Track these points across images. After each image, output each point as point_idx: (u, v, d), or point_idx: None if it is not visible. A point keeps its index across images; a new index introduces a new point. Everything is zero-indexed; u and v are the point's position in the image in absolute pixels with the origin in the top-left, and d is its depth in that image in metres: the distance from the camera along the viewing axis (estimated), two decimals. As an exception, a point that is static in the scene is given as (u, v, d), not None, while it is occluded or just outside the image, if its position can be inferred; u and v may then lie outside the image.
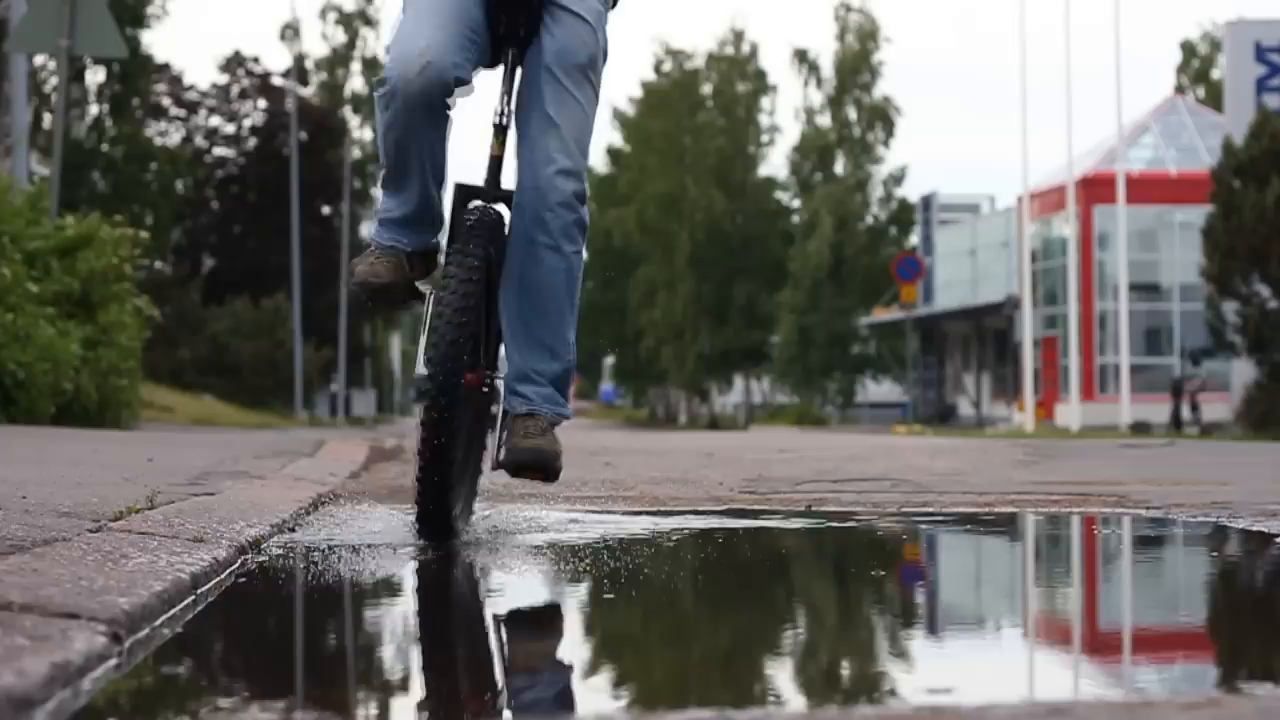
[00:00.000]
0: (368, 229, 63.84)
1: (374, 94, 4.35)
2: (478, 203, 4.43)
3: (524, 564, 4.00)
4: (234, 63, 57.22)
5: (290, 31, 62.09)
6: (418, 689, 2.51)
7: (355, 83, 66.48)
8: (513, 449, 4.33)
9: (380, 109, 4.33)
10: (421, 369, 4.11)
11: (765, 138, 66.83)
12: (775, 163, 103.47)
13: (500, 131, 4.45)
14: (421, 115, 4.26)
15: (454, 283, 4.13)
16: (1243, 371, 35.16)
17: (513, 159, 4.45)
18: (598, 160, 70.21)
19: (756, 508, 6.08)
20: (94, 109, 44.56)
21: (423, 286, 4.48)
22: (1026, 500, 6.44)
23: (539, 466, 4.32)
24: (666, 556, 4.20)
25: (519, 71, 4.46)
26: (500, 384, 4.44)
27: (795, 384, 63.58)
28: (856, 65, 63.48)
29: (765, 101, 67.06)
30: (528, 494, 6.36)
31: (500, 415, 4.41)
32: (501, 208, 4.38)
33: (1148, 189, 45.38)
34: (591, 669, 2.64)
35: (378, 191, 4.77)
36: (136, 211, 37.36)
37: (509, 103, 4.44)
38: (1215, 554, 4.64)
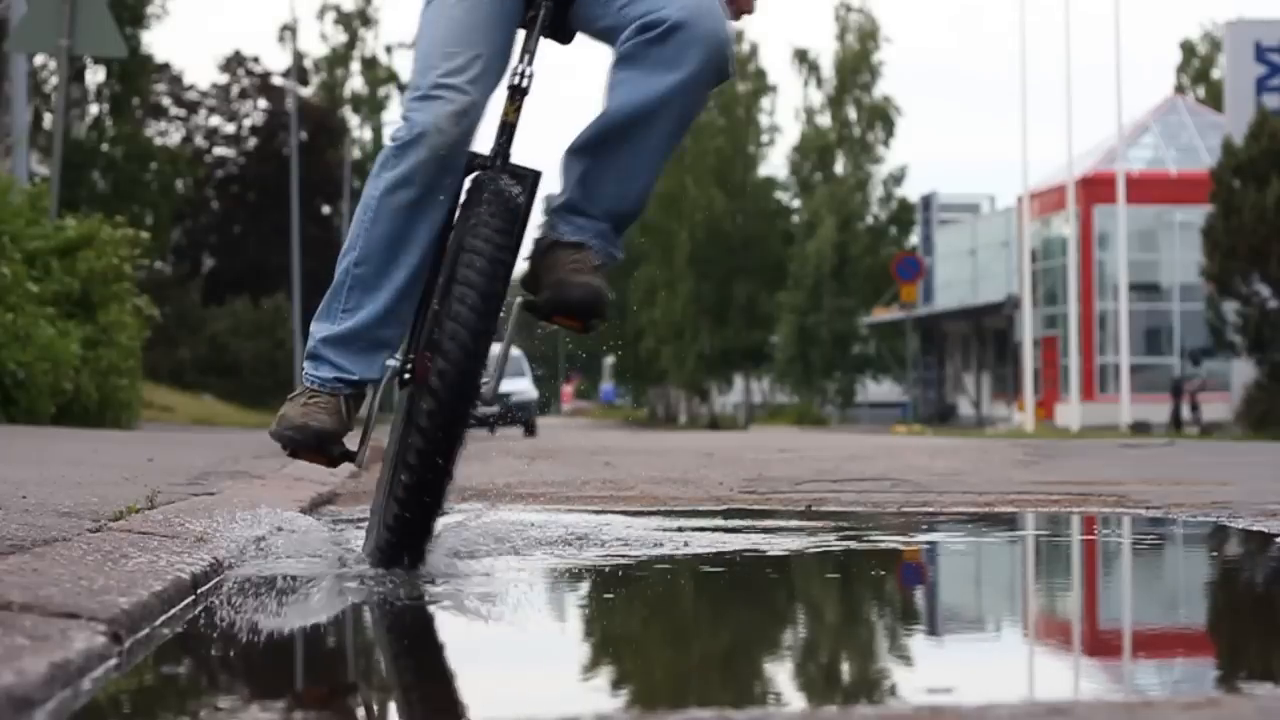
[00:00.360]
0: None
1: (390, 141, 3.74)
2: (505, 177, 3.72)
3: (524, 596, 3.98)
4: (234, 63, 57.23)
5: (288, 33, 62.10)
6: (411, 685, 2.51)
7: (355, 83, 66.50)
8: (560, 284, 3.67)
9: (391, 161, 3.71)
10: (437, 364, 3.46)
11: (765, 138, 66.83)
12: (775, 163, 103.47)
13: (517, 95, 3.77)
14: (446, 173, 3.68)
15: (481, 261, 3.48)
16: (1243, 371, 35.17)
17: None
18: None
19: (756, 508, 6.08)
20: (94, 109, 44.55)
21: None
22: (1026, 500, 6.44)
23: (588, 308, 3.66)
24: (676, 564, 4.20)
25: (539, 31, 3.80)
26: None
27: (795, 384, 63.57)
28: (856, 65, 63.47)
29: (765, 101, 67.04)
30: (527, 494, 6.36)
31: (534, 245, 3.76)
32: (507, 181, 3.67)
33: (1148, 189, 45.38)
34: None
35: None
36: (136, 211, 37.34)
37: (530, 62, 3.77)
38: (1215, 554, 4.64)
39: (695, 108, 3.79)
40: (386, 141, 3.76)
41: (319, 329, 3.80)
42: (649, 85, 3.69)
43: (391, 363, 3.72)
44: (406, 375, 3.70)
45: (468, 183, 3.74)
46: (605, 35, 3.81)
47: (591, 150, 3.74)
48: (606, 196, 3.74)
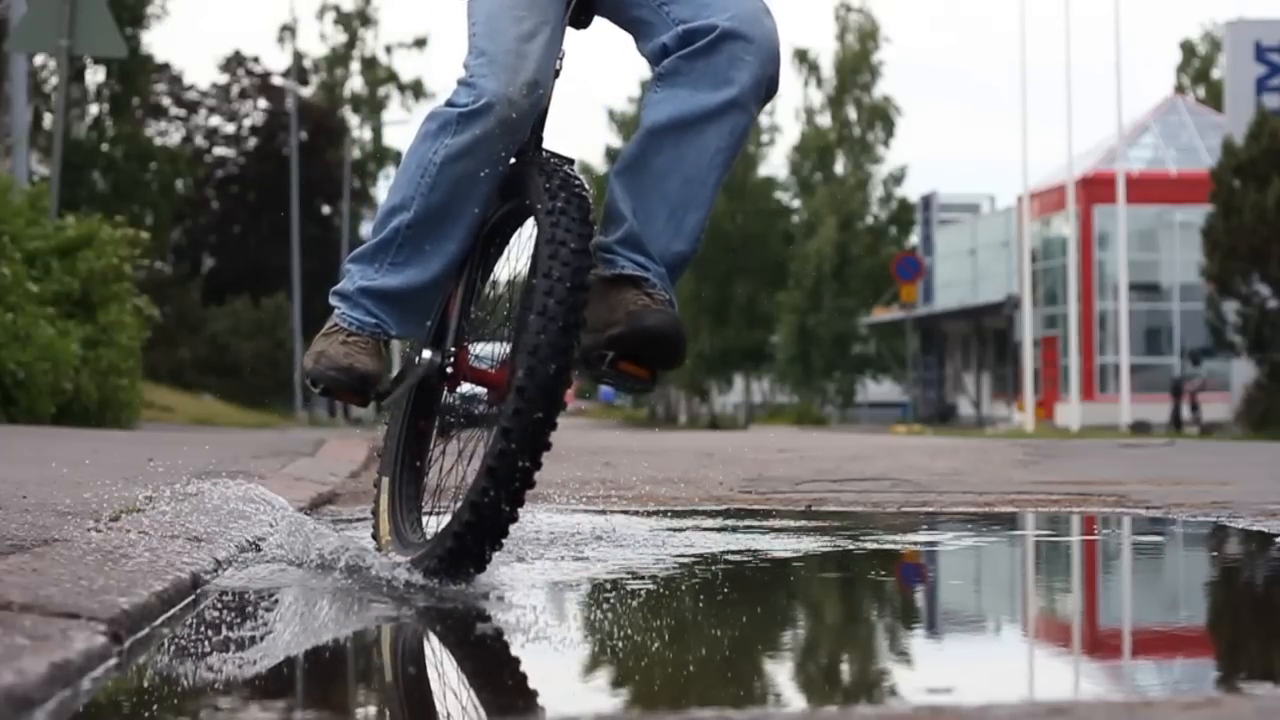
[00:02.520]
0: (369, 229, 63.86)
1: (450, 105, 3.50)
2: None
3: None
4: (234, 62, 57.23)
5: (288, 33, 62.09)
6: (410, 695, 2.51)
7: (355, 83, 66.50)
8: (635, 316, 3.40)
9: (454, 127, 3.49)
10: (525, 362, 3.22)
11: (765, 137, 66.83)
12: (775, 162, 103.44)
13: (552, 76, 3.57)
14: (507, 144, 3.48)
15: (566, 253, 3.25)
16: (1243, 371, 35.17)
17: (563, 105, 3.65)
18: (596, 160, 70.17)
19: (757, 508, 6.08)
20: (94, 109, 44.56)
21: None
22: (1026, 500, 6.44)
23: (672, 341, 3.40)
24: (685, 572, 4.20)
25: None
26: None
27: (795, 384, 63.57)
28: (856, 65, 63.47)
29: (765, 101, 67.00)
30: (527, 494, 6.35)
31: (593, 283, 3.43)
32: (570, 168, 3.48)
33: (1148, 189, 45.39)
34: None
35: (355, 245, 3.86)
36: (136, 211, 37.36)
37: (561, 42, 3.57)
38: (1215, 554, 4.64)
39: (748, 127, 3.57)
40: (440, 104, 3.53)
41: (360, 274, 3.60)
42: (697, 103, 3.49)
43: (428, 354, 3.57)
44: (449, 370, 3.55)
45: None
46: (634, 26, 3.61)
47: (638, 181, 3.53)
48: (658, 235, 3.51)
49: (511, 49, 3.46)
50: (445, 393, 3.70)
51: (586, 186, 3.42)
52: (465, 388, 3.74)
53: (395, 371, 3.72)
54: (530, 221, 3.55)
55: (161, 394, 27.83)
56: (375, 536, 3.70)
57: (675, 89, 3.50)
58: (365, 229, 61.99)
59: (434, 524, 3.67)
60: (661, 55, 3.54)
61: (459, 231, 3.55)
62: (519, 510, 3.28)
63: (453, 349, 3.56)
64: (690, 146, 3.50)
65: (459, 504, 3.34)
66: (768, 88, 3.52)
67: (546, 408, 3.23)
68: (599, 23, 3.67)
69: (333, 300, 3.65)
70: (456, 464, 3.70)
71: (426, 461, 3.80)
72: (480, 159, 3.47)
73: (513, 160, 3.54)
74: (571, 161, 3.52)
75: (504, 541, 3.32)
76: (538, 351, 3.22)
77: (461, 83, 3.49)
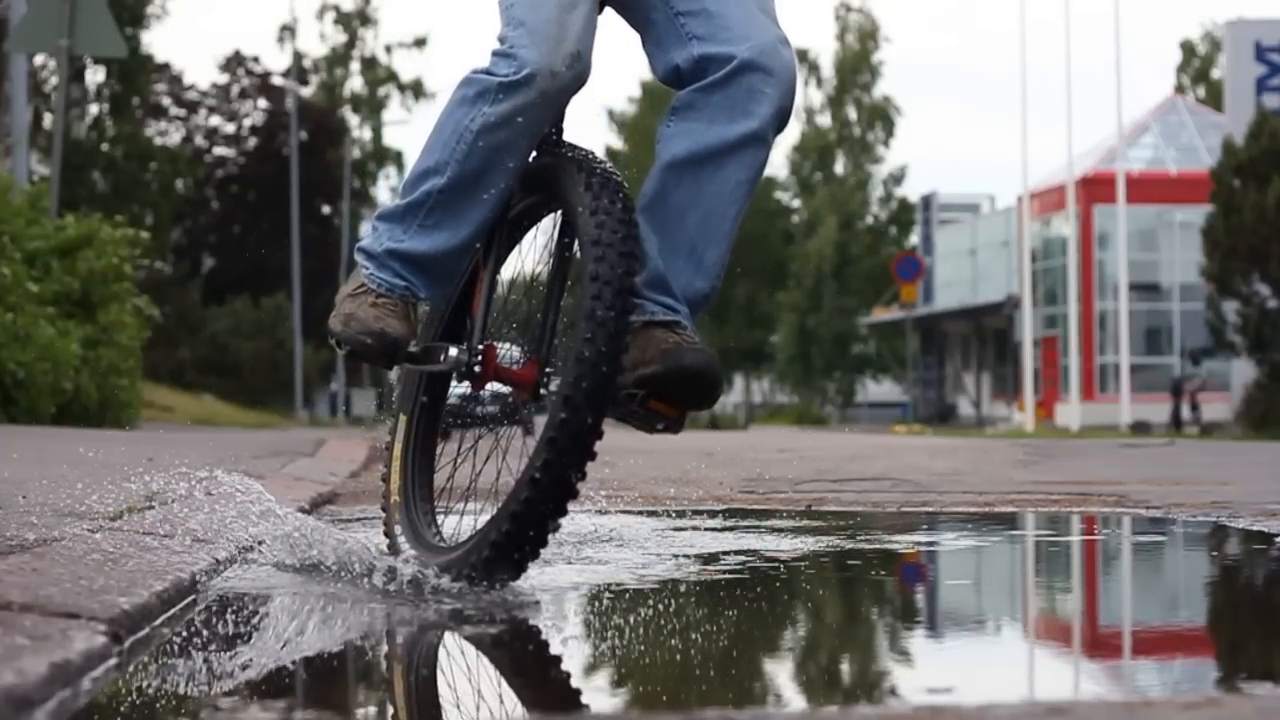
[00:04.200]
0: (366, 229, 63.80)
1: (489, 74, 3.41)
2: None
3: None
4: (234, 62, 57.25)
5: (287, 33, 62.09)
6: (416, 696, 2.51)
7: (355, 83, 66.51)
8: (675, 353, 3.31)
9: (494, 96, 3.41)
10: (575, 369, 3.13)
11: (765, 137, 66.77)
12: (775, 162, 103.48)
13: None
14: (546, 115, 3.42)
15: (613, 255, 3.15)
16: (1243, 371, 35.18)
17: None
18: (598, 160, 70.04)
19: (756, 508, 6.08)
20: (94, 109, 44.58)
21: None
22: (1026, 500, 6.44)
23: (710, 383, 3.34)
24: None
25: None
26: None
27: (795, 384, 63.58)
28: (856, 65, 63.49)
29: (765, 101, 67.03)
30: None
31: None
32: (606, 164, 3.41)
33: (1148, 189, 45.41)
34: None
35: (383, 207, 3.59)
36: (136, 211, 37.38)
37: None
38: (1215, 554, 4.64)
39: (766, 160, 3.50)
40: (475, 72, 3.44)
41: (388, 234, 3.52)
42: (715, 136, 3.42)
43: (454, 352, 3.48)
44: (476, 369, 3.48)
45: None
46: (645, 28, 3.54)
47: (658, 218, 3.43)
48: (679, 273, 3.42)
49: (553, 19, 3.39)
50: (471, 392, 3.64)
51: (624, 184, 3.34)
52: (461, 387, 3.73)
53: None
54: (547, 220, 3.52)
55: (161, 394, 27.84)
56: (387, 535, 3.63)
57: (692, 122, 3.44)
58: (365, 229, 61.97)
59: (448, 524, 3.62)
60: (674, 75, 3.50)
61: (491, 200, 3.49)
62: (561, 520, 3.21)
63: (480, 347, 3.49)
64: (710, 181, 3.43)
65: (499, 512, 3.24)
66: (784, 119, 3.47)
67: (594, 417, 3.15)
68: (607, 14, 3.60)
69: (359, 258, 3.58)
70: (466, 462, 3.65)
71: (437, 458, 3.74)
72: (519, 130, 3.41)
73: (535, 153, 3.50)
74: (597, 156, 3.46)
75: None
76: (586, 359, 3.13)
77: (499, 54, 3.42)
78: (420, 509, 3.65)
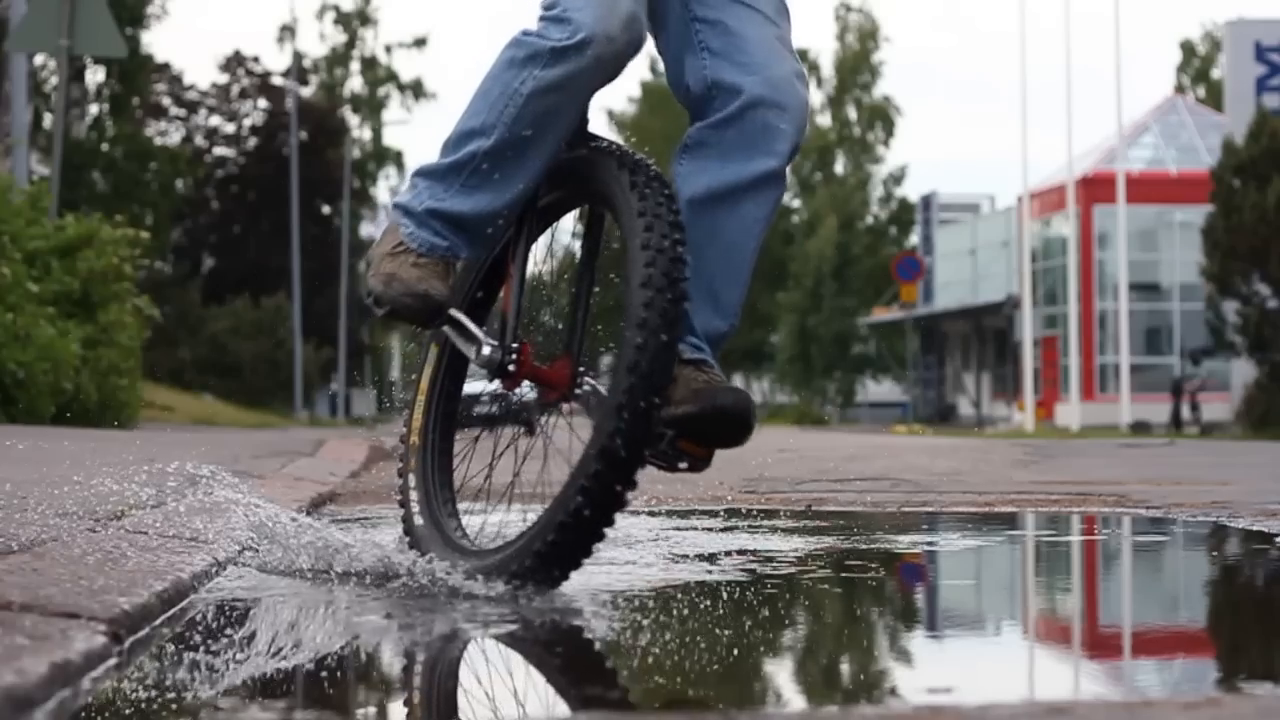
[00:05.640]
0: (372, 227, 63.88)
1: (540, 38, 3.33)
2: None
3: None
4: (234, 62, 57.25)
5: (287, 33, 62.10)
6: (417, 695, 2.51)
7: (355, 83, 66.51)
8: (701, 394, 3.25)
9: (545, 59, 3.31)
10: (625, 380, 3.05)
11: (765, 137, 66.79)
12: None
13: None
14: (600, 82, 3.34)
15: (664, 261, 3.08)
16: (1243, 371, 35.17)
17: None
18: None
19: (756, 508, 6.08)
20: (94, 109, 44.57)
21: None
22: (1026, 500, 6.44)
23: (745, 423, 3.28)
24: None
25: None
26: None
27: (796, 384, 63.58)
28: (856, 65, 63.49)
29: (765, 101, 67.03)
30: (528, 494, 6.34)
31: None
32: (651, 162, 3.33)
33: (1148, 189, 45.39)
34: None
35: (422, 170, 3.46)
36: (136, 211, 37.37)
37: None
38: (1215, 554, 4.64)
39: (782, 195, 3.48)
40: (523, 34, 3.36)
41: (429, 193, 3.43)
42: (731, 174, 3.38)
43: (487, 350, 3.40)
44: (511, 367, 3.39)
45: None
46: (658, 22, 3.47)
47: None
48: (698, 312, 3.35)
49: None
50: (509, 393, 3.52)
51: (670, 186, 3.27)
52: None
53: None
54: (570, 217, 3.48)
55: (161, 394, 27.80)
56: (409, 534, 3.54)
57: (706, 160, 3.40)
58: (365, 229, 62.03)
59: (471, 525, 3.56)
60: (684, 95, 3.47)
61: (535, 165, 3.40)
62: (609, 529, 3.15)
63: (515, 345, 3.40)
64: (727, 218, 3.40)
65: (544, 520, 3.16)
66: (796, 153, 3.46)
67: (647, 427, 3.08)
68: None
69: (396, 215, 3.49)
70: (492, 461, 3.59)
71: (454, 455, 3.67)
72: (570, 95, 3.33)
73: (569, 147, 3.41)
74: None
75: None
76: (638, 368, 3.06)
77: (550, 18, 3.32)
78: (442, 506, 3.57)
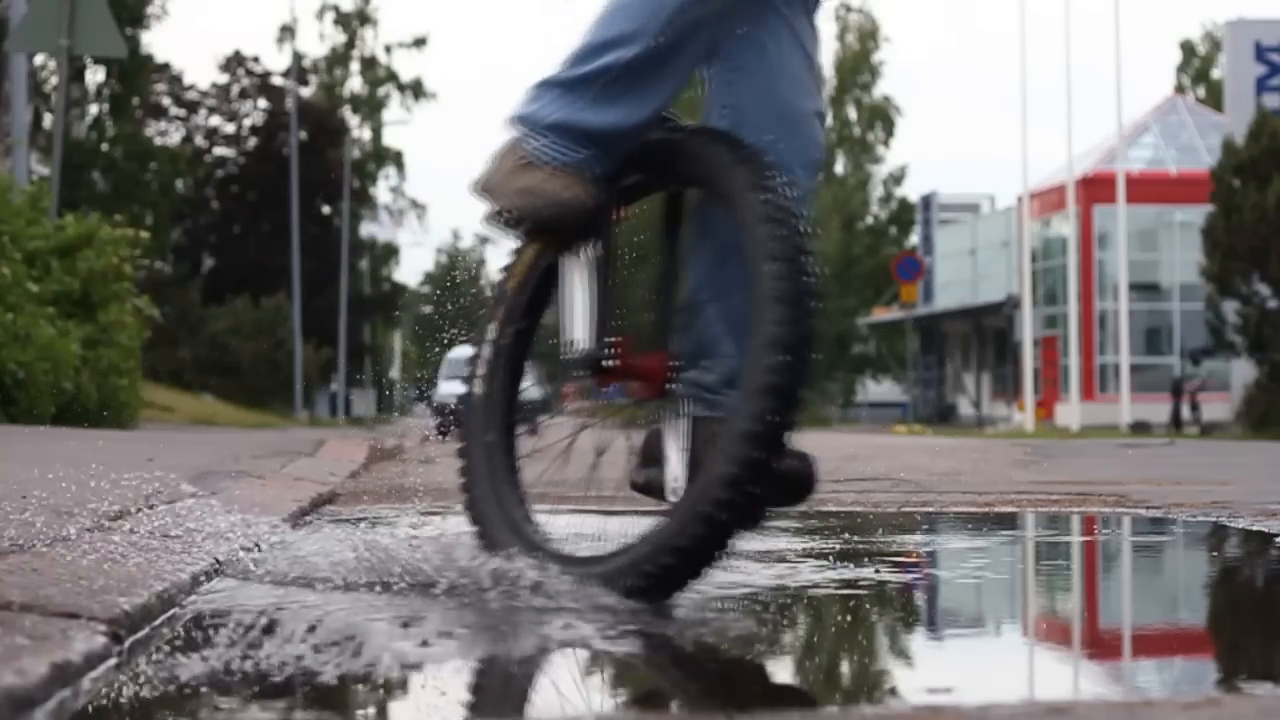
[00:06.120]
0: (373, 227, 63.84)
1: None
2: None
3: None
4: (234, 62, 57.26)
5: (287, 33, 62.10)
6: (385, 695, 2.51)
7: (354, 83, 66.51)
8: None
9: None
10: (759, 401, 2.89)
11: (765, 137, 66.80)
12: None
13: None
14: (750, 11, 3.29)
15: (792, 244, 2.98)
16: (1243, 371, 35.19)
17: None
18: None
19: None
20: (94, 109, 44.58)
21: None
22: (1026, 500, 6.44)
23: (809, 487, 3.21)
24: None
25: None
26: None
27: (795, 384, 63.56)
28: (856, 65, 63.49)
29: (765, 101, 67.05)
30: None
31: (694, 422, 3.20)
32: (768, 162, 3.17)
33: (1148, 189, 45.41)
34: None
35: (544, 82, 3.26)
36: (136, 211, 37.39)
37: None
38: (1215, 554, 4.64)
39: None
40: None
41: (558, 105, 3.23)
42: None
43: (583, 344, 3.24)
44: (609, 363, 3.23)
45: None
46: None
47: (733, 305, 3.25)
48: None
49: None
50: (596, 389, 3.35)
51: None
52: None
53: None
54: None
55: (161, 394, 27.82)
56: (484, 535, 3.36)
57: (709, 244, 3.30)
58: (365, 229, 62.04)
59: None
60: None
61: (671, 85, 3.26)
62: (723, 557, 3.04)
63: (611, 339, 3.24)
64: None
65: (660, 540, 3.02)
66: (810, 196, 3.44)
67: (776, 458, 2.94)
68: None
69: (520, 129, 3.28)
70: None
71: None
72: (718, 10, 3.24)
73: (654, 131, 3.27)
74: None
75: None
76: (773, 392, 2.91)
77: None
78: (516, 505, 3.41)
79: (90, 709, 2.16)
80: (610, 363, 3.24)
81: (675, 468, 3.21)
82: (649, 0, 3.20)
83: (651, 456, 3.31)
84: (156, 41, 54.79)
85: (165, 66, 54.91)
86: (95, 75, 43.38)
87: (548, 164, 3.21)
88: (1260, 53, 39.33)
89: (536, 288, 3.48)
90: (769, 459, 2.91)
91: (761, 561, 4.10)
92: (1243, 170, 32.41)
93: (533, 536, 3.32)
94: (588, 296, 3.26)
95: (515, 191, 3.22)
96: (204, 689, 2.35)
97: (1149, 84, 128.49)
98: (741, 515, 2.97)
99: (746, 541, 4.23)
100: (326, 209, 56.10)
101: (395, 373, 77.73)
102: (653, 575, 3.01)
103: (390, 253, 66.84)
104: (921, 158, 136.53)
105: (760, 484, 2.93)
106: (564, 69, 3.27)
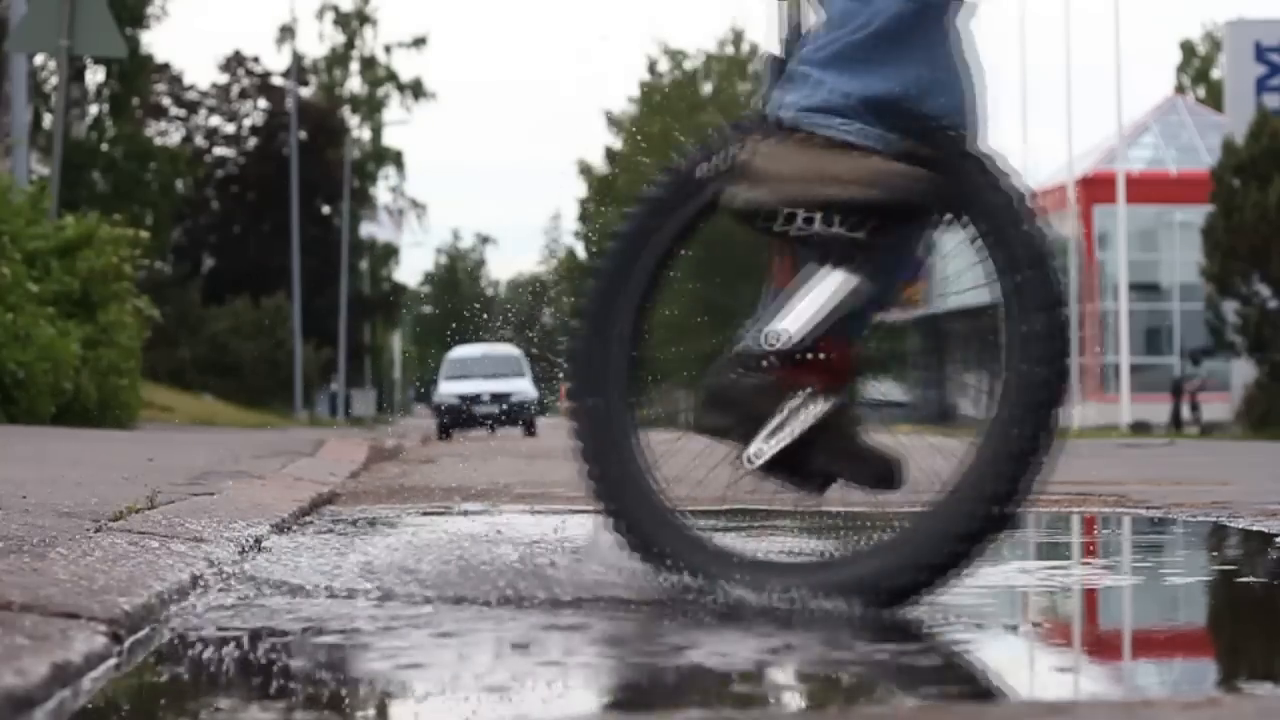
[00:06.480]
0: (373, 227, 63.78)
1: None
2: None
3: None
4: (234, 63, 57.26)
5: (287, 33, 62.10)
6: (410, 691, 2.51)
7: (354, 83, 66.51)
8: (868, 460, 3.35)
9: None
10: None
11: (765, 138, 66.87)
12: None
13: None
14: None
15: (1054, 293, 3.09)
16: (1243, 371, 35.19)
17: None
18: (596, 160, 70.12)
19: (757, 507, 6.07)
20: (94, 109, 44.58)
21: None
22: (1026, 500, 6.43)
23: (900, 471, 3.34)
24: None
25: None
26: None
27: (795, 384, 63.67)
28: (856, 65, 63.48)
29: (765, 101, 67.12)
30: (528, 494, 6.35)
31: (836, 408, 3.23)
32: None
33: (1148, 189, 45.42)
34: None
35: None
36: (136, 211, 37.38)
37: None
38: (1215, 554, 4.64)
39: None
40: None
41: (852, 82, 2.98)
42: None
43: (776, 338, 3.17)
44: (816, 356, 3.18)
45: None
46: None
47: None
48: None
49: None
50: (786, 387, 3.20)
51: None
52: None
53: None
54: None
55: (161, 394, 27.83)
56: (634, 534, 3.23)
57: None
58: (365, 229, 62.05)
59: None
60: None
61: (942, 35, 3.06)
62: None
63: (823, 344, 3.20)
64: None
65: (904, 557, 3.07)
66: None
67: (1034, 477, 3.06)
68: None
69: (814, 120, 3.00)
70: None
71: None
72: None
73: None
74: None
75: None
76: (1041, 401, 3.08)
77: None
78: (667, 504, 3.31)
79: (90, 709, 2.16)
80: (810, 356, 3.16)
81: (766, 443, 3.16)
82: None
83: (730, 402, 3.19)
84: (156, 41, 54.80)
85: (165, 66, 54.90)
86: (95, 75, 43.40)
87: (861, 146, 2.97)
88: (1260, 53, 39.32)
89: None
90: (1031, 481, 3.04)
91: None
92: (1243, 170, 32.41)
93: (714, 542, 3.30)
94: (826, 290, 3.17)
95: (826, 178, 2.97)
96: (204, 689, 2.35)
97: (1149, 84, 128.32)
98: (995, 531, 3.04)
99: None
100: (326, 209, 56.10)
101: (396, 373, 77.74)
102: (894, 592, 3.04)
103: (390, 253, 66.86)
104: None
105: (1020, 503, 3.03)
106: (812, 50, 3.02)
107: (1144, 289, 46.81)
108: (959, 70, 3.10)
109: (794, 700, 2.37)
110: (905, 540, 3.10)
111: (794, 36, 3.10)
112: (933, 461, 3.21)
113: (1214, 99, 55.91)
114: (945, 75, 3.04)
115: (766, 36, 3.17)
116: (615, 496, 3.23)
